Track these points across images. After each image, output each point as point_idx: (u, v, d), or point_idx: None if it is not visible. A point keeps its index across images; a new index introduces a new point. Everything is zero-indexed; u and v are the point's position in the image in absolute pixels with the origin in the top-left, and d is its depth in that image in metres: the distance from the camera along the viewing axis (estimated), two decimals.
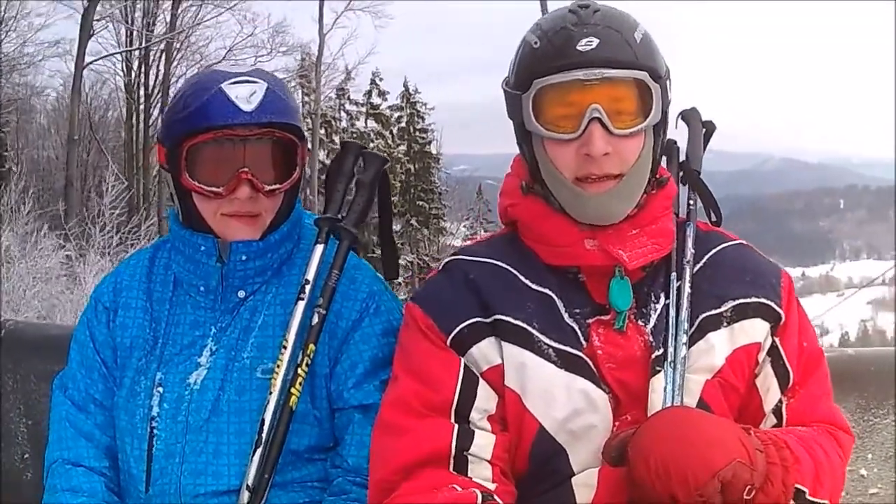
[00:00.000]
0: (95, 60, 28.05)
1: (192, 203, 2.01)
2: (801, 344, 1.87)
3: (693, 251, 1.88)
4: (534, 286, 1.83)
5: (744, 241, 1.98)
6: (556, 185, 1.80)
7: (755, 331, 1.83)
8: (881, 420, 2.66)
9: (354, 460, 1.95)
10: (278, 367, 1.91)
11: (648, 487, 1.57)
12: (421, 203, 38.38)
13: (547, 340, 1.77)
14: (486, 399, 1.77)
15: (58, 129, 30.89)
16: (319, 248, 1.99)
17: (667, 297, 1.83)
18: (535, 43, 1.77)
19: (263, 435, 1.88)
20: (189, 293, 2.07)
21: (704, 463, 1.53)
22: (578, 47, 1.71)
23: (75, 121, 26.40)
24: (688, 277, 1.84)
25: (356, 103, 37.59)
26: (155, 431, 1.99)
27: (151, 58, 31.06)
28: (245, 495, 1.87)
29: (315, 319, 1.93)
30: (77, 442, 2.07)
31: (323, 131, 35.09)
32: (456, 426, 1.75)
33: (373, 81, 37.87)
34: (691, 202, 2.02)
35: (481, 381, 1.78)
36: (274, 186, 1.99)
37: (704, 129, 2.16)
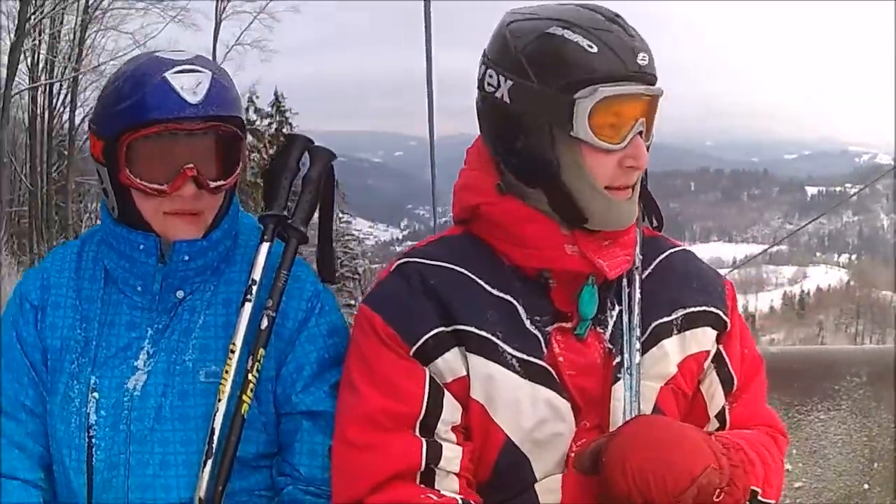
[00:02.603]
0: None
1: (130, 200, 1.87)
2: (742, 351, 1.92)
3: (641, 257, 1.88)
4: (495, 292, 1.79)
5: (686, 247, 2.01)
6: (585, 191, 1.75)
7: (705, 339, 1.86)
8: (805, 416, 2.77)
9: (307, 470, 1.88)
10: (226, 372, 1.80)
11: (624, 495, 1.59)
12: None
13: (510, 350, 1.74)
14: (451, 411, 1.74)
15: None
16: (265, 247, 1.88)
17: (620, 304, 1.83)
18: (590, 46, 1.70)
19: (214, 445, 1.78)
20: (124, 292, 1.93)
21: (683, 470, 1.57)
22: (639, 60, 1.70)
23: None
24: (637, 284, 1.84)
25: None
26: (94, 441, 1.86)
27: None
28: None
29: (265, 323, 1.82)
30: (9, 453, 1.91)
31: None
32: (424, 441, 1.71)
33: (250, 100, 38.90)
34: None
35: (446, 392, 1.74)
36: (219, 183, 1.87)
37: None
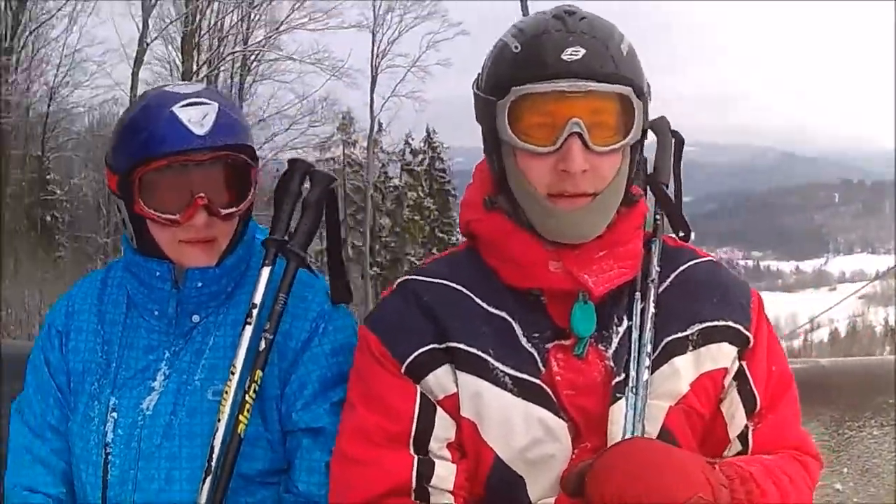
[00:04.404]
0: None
1: (145, 229, 1.92)
2: (769, 368, 1.77)
3: (659, 269, 1.77)
4: (490, 309, 1.72)
5: (714, 258, 1.86)
6: (526, 200, 1.68)
7: (721, 356, 1.73)
8: (856, 433, 2.58)
9: (304, 486, 1.88)
10: (226, 392, 1.83)
11: None
12: (441, 235, 40.42)
13: (503, 368, 1.67)
14: (444, 427, 1.69)
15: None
16: (266, 271, 1.90)
17: (630, 320, 1.72)
18: (516, 47, 1.63)
19: (213, 462, 1.80)
20: (143, 316, 1.99)
21: (663, 497, 1.43)
22: (563, 56, 1.58)
23: None
24: (652, 298, 1.73)
25: (387, 153, 39.59)
26: (110, 458, 1.92)
27: None
28: None
29: (262, 345, 1.84)
30: (34, 468, 2.00)
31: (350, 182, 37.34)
32: (416, 458, 1.67)
33: (406, 142, 40.66)
34: (657, 217, 1.89)
35: (439, 409, 1.69)
36: (230, 210, 1.91)
37: (674, 140, 2.01)
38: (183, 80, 28.11)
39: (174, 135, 1.83)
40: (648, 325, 1.71)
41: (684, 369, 1.70)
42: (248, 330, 1.86)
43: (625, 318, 1.73)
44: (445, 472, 1.68)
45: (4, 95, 25.39)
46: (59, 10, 27.81)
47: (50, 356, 2.05)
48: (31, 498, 1.98)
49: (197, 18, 29.21)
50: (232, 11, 30.59)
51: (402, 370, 1.70)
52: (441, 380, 1.69)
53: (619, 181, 1.68)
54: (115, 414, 1.94)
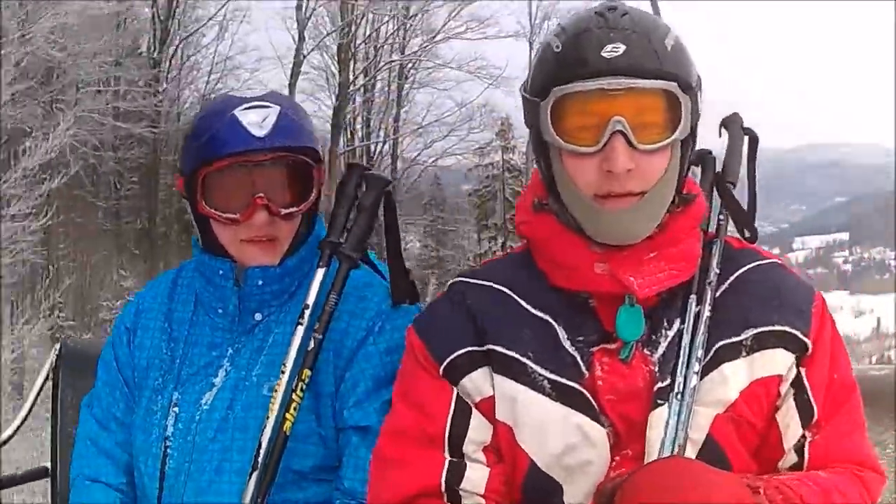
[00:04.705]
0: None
1: (210, 229, 1.99)
2: (830, 375, 1.65)
3: (718, 271, 1.68)
4: (534, 311, 1.67)
5: (779, 260, 1.76)
6: (573, 201, 1.62)
7: (776, 362, 1.62)
8: None
9: (349, 483, 1.89)
10: (276, 391, 1.85)
11: None
12: None
13: (542, 371, 1.62)
14: (480, 430, 1.66)
15: None
16: (320, 272, 1.91)
17: (682, 323, 1.63)
18: (557, 47, 1.59)
19: (260, 458, 1.83)
20: (208, 314, 2.04)
21: None
22: (603, 53, 1.53)
23: None
24: (708, 301, 1.64)
25: None
26: (168, 451, 1.98)
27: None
28: None
29: (311, 344, 1.86)
30: (97, 459, 2.08)
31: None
32: (448, 460, 1.65)
33: None
34: (721, 217, 1.79)
35: (475, 411, 1.66)
36: (291, 210, 1.94)
37: (747, 137, 1.91)
38: (340, 89, 28.65)
39: (234, 137, 1.88)
40: (702, 328, 1.62)
41: (735, 376, 1.61)
42: (300, 330, 1.88)
43: (676, 321, 1.64)
44: (477, 476, 1.65)
45: (156, 105, 26.18)
46: (210, 18, 28.61)
47: (119, 352, 2.13)
48: (93, 487, 2.06)
49: (353, 28, 29.70)
50: (388, 21, 31.07)
51: (441, 372, 1.68)
52: (477, 383, 1.66)
53: (668, 179, 1.61)
54: (176, 408, 1.99)
